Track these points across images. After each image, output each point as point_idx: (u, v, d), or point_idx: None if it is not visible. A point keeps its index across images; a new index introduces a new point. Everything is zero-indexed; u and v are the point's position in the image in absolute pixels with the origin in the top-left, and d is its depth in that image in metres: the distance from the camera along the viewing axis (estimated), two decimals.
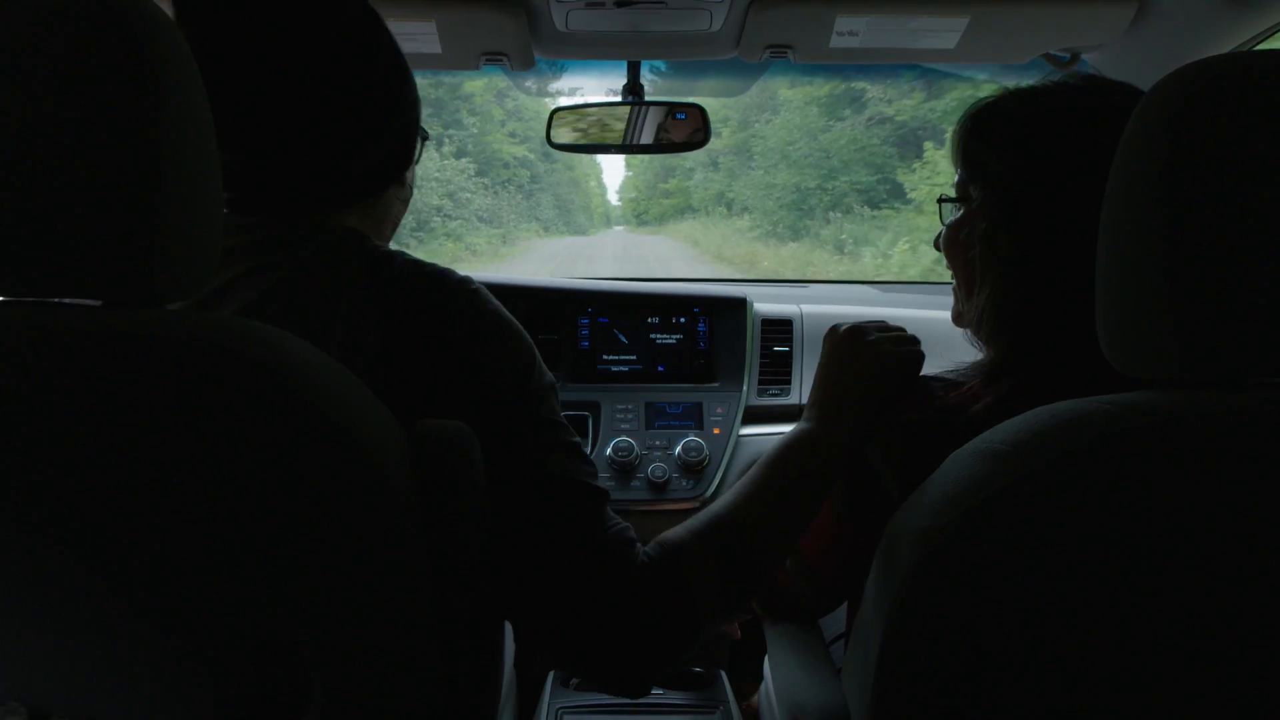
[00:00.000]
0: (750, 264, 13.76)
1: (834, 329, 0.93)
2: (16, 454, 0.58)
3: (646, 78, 1.56)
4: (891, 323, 0.94)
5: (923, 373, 0.89)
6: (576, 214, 24.09)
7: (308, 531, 0.60)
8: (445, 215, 14.78)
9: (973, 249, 0.86)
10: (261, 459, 0.58)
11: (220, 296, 0.74)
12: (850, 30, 1.27)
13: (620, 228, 24.67)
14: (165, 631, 0.63)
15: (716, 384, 1.73)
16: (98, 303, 0.61)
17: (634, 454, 1.57)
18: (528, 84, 1.98)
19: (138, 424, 0.57)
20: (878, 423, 0.86)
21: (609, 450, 1.58)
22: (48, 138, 0.56)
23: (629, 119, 1.55)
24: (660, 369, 1.75)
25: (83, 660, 0.64)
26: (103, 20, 0.56)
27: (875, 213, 12.93)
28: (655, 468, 1.57)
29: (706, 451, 1.58)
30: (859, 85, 13.04)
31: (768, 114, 16.62)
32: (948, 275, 0.95)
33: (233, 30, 0.73)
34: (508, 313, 0.79)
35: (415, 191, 0.94)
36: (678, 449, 1.59)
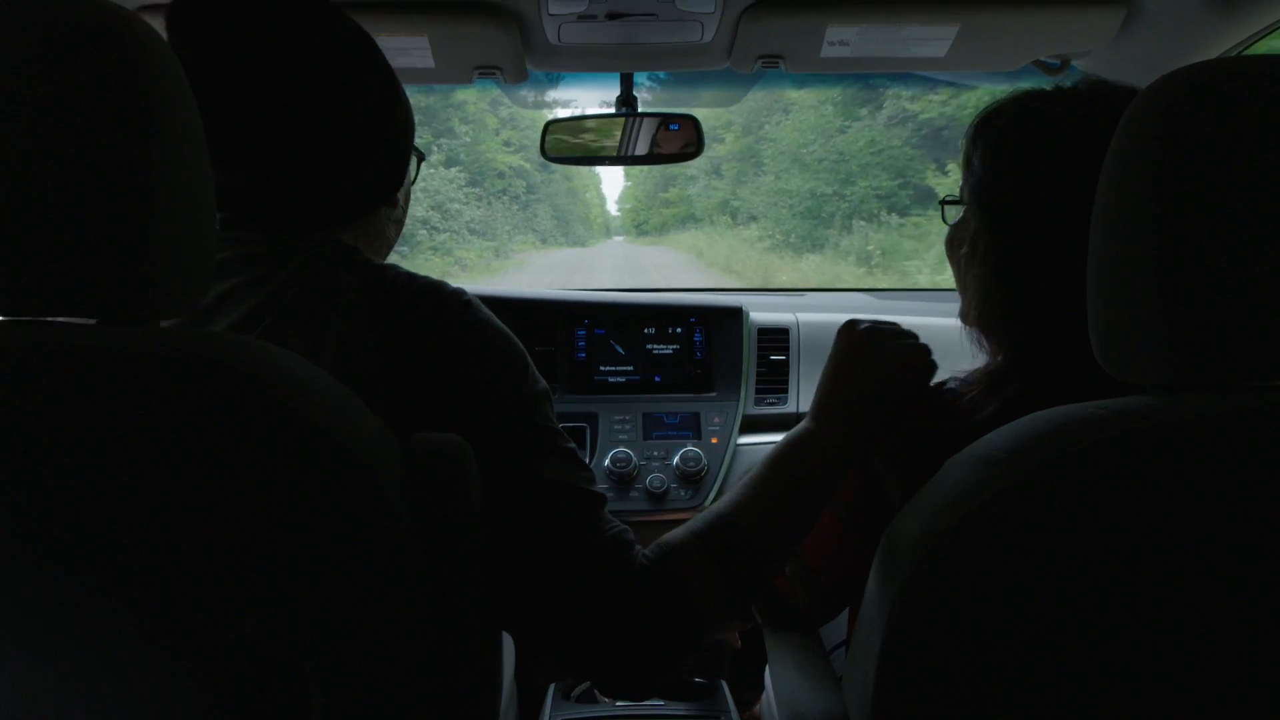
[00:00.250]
0: (765, 279, 13.03)
1: (851, 325, 0.90)
2: (12, 473, 0.58)
3: (645, 86, 1.57)
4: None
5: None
6: (575, 225, 23.74)
7: (305, 547, 0.60)
8: (432, 228, 13.99)
9: (964, 249, 0.88)
10: (258, 474, 0.58)
11: (213, 312, 0.74)
12: (841, 40, 1.28)
13: (620, 238, 24.39)
14: (163, 647, 0.63)
15: (714, 394, 1.73)
16: (92, 321, 0.61)
17: (632, 465, 1.57)
18: (524, 95, 1.99)
19: (133, 441, 0.57)
20: (882, 429, 0.84)
21: (607, 461, 1.58)
22: (42, 156, 0.56)
23: (622, 131, 1.55)
24: (657, 379, 1.75)
25: (80, 675, 0.64)
26: (98, 40, 0.56)
27: (904, 220, 11.96)
28: (653, 478, 1.56)
29: (704, 461, 1.58)
30: (877, 80, 11.11)
31: (778, 114, 15.65)
32: (946, 283, 0.95)
33: (224, 53, 0.73)
34: (500, 323, 0.79)
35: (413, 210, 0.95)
36: (676, 459, 1.59)
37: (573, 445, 0.78)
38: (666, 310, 1.78)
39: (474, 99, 15.00)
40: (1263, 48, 1.21)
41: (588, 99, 2.11)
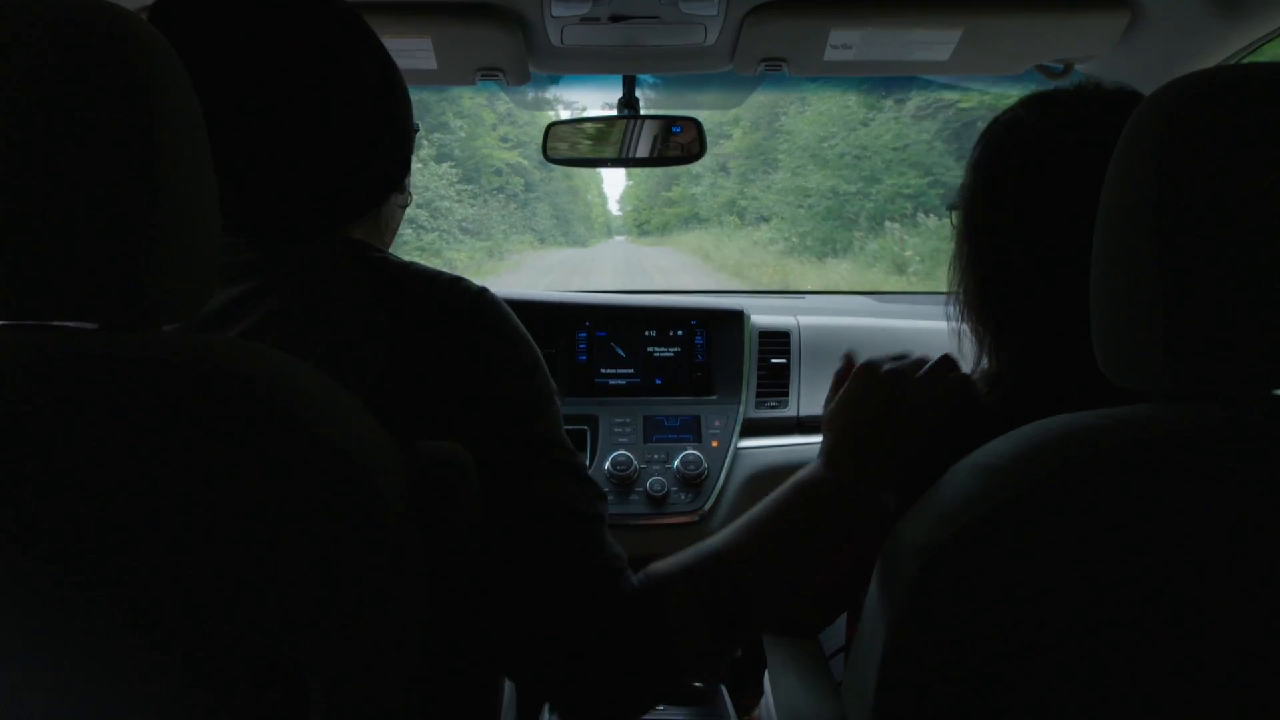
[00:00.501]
0: (787, 287, 11.33)
1: (871, 369, 0.85)
2: (11, 477, 0.58)
3: (646, 84, 1.57)
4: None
5: None
6: (575, 224, 23.27)
7: (305, 554, 0.60)
8: (419, 227, 12.90)
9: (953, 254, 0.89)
10: (257, 481, 0.58)
11: (225, 318, 0.72)
12: (844, 44, 1.28)
13: (621, 238, 23.98)
14: (161, 653, 0.62)
15: (714, 396, 1.73)
16: (93, 325, 0.61)
17: (632, 467, 1.57)
18: (523, 93, 1.99)
19: (132, 446, 0.57)
20: (901, 478, 0.81)
21: (607, 464, 1.58)
22: (44, 159, 0.56)
23: (624, 132, 1.55)
24: (658, 382, 1.75)
25: (79, 680, 0.64)
26: (100, 42, 0.56)
27: (940, 222, 10.55)
28: (654, 481, 1.56)
29: (705, 464, 1.58)
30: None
31: (795, 105, 13.98)
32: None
33: (217, 55, 0.72)
34: (517, 322, 0.77)
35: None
36: (676, 462, 1.58)
37: (578, 460, 0.75)
38: (668, 313, 1.77)
39: (470, 93, 13.80)
40: (1267, 53, 1.20)
41: (588, 98, 2.10)
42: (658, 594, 0.72)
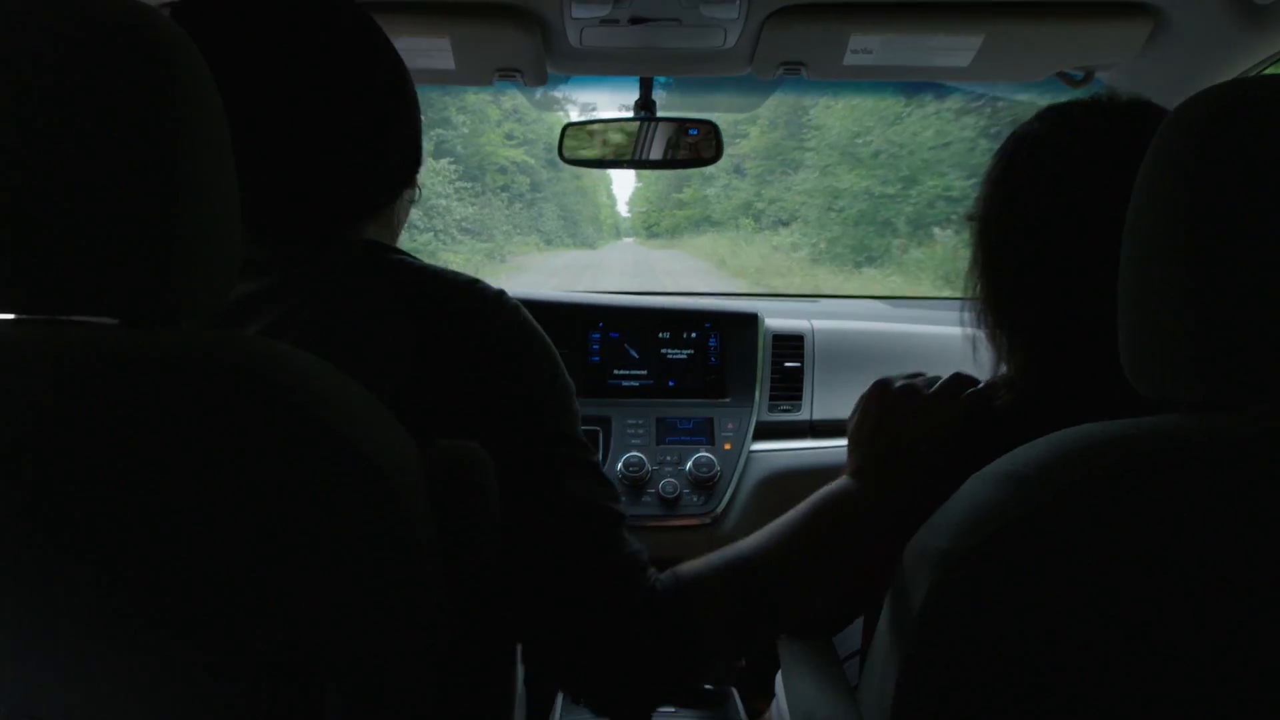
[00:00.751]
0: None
1: (884, 386, 0.89)
2: (33, 473, 0.58)
3: (658, 84, 1.57)
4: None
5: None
6: (584, 225, 22.78)
7: (323, 553, 0.60)
8: (412, 227, 11.22)
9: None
10: (275, 479, 0.58)
11: (240, 315, 0.73)
12: (864, 49, 1.28)
13: (630, 239, 23.59)
14: (179, 650, 0.63)
15: (728, 399, 1.72)
16: (113, 320, 0.61)
17: (645, 469, 1.57)
18: (535, 95, 1.99)
19: (150, 443, 0.57)
20: (920, 490, 0.82)
21: (620, 465, 1.58)
22: (67, 153, 0.56)
23: (641, 134, 1.55)
24: (671, 384, 1.74)
25: (97, 677, 0.64)
26: (124, 37, 0.56)
27: None
28: (666, 483, 1.56)
29: (718, 467, 1.57)
30: None
31: (827, 98, 12.69)
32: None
33: (230, 57, 0.71)
34: (536, 324, 0.78)
35: None
36: (689, 464, 1.58)
37: (596, 459, 0.77)
38: (681, 315, 1.77)
39: (474, 88, 13.74)
40: None
41: (598, 98, 2.10)
42: (687, 591, 0.74)
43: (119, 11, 0.57)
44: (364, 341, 0.71)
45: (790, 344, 1.77)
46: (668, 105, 1.57)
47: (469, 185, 14.59)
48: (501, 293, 0.77)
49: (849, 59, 1.31)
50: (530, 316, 0.78)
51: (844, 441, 1.64)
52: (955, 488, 0.65)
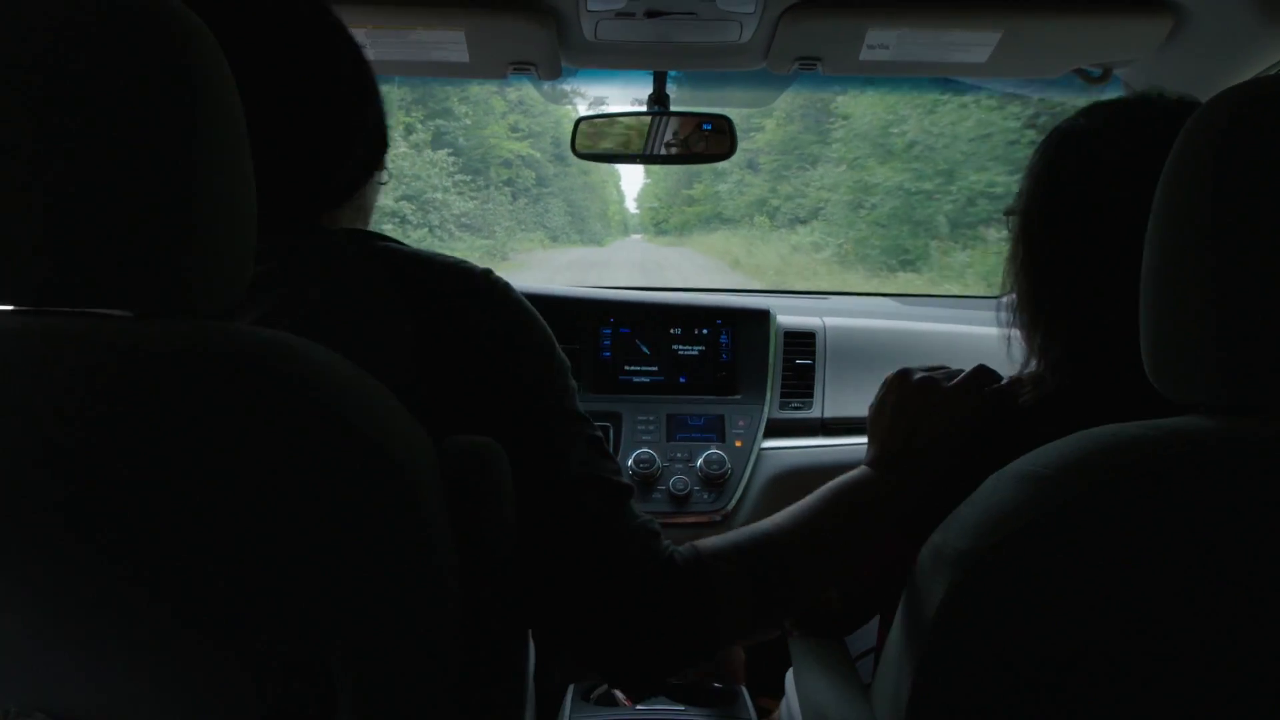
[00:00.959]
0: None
1: (904, 377, 0.89)
2: (49, 466, 0.58)
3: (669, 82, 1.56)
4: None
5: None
6: (591, 221, 22.40)
7: (336, 546, 0.60)
8: (404, 221, 10.77)
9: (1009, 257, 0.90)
10: (290, 473, 0.58)
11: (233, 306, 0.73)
12: (881, 44, 1.27)
13: (638, 236, 23.31)
14: (192, 645, 0.62)
15: (739, 396, 1.72)
16: (128, 313, 0.61)
17: (655, 466, 1.56)
18: (543, 88, 1.98)
19: (166, 436, 0.57)
20: (937, 479, 0.84)
21: (630, 462, 1.57)
22: (85, 145, 0.56)
23: (654, 129, 1.55)
24: (682, 380, 1.74)
25: (110, 671, 0.64)
26: (142, 28, 0.56)
27: None
28: (676, 480, 1.56)
29: (728, 464, 1.57)
30: None
31: (855, 85, 11.34)
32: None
33: None
34: (527, 302, 0.79)
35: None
36: (699, 461, 1.58)
37: (599, 433, 0.78)
38: (693, 311, 1.77)
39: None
40: None
41: (609, 92, 2.09)
42: (706, 561, 0.75)
43: (138, 3, 0.57)
44: (363, 332, 0.71)
45: (802, 341, 1.76)
46: (680, 99, 1.56)
47: (468, 178, 13.86)
48: (489, 271, 0.78)
49: (865, 54, 1.31)
50: (519, 294, 0.78)
51: (855, 440, 1.64)
52: (976, 485, 0.64)
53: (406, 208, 11.17)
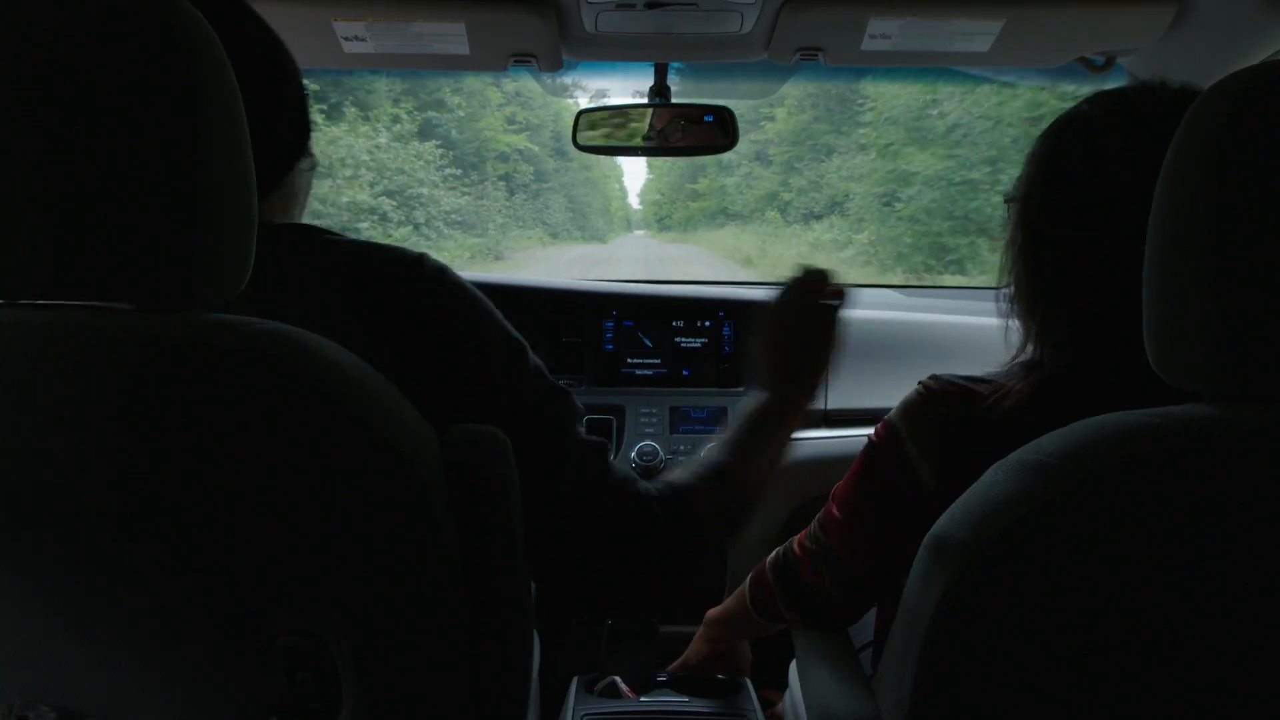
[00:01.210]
0: None
1: (780, 304, 1.00)
2: (53, 459, 0.58)
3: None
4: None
5: (960, 374, 0.91)
6: (594, 218, 21.84)
7: (341, 538, 0.60)
8: (383, 219, 9.69)
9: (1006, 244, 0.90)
10: (295, 465, 0.58)
11: None
12: (883, 33, 1.26)
13: (641, 232, 22.96)
14: (198, 635, 0.63)
15: (742, 388, 1.72)
16: (129, 306, 0.61)
17: (658, 458, 1.56)
18: (544, 80, 1.97)
19: (172, 429, 0.57)
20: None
21: (633, 454, 1.57)
22: (89, 140, 0.56)
23: (655, 121, 1.54)
24: (685, 373, 1.74)
25: (116, 664, 0.64)
26: (145, 24, 0.56)
27: None
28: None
29: None
30: None
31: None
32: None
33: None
34: (468, 284, 0.81)
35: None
36: (702, 454, 1.57)
37: (563, 389, 0.84)
38: (695, 303, 1.77)
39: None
40: None
41: (611, 84, 2.09)
42: (680, 493, 0.87)
43: (139, 1, 0.57)
44: (314, 326, 0.71)
45: None
46: (682, 91, 1.56)
47: (457, 172, 12.91)
48: (424, 256, 0.80)
49: (867, 44, 1.30)
50: (452, 271, 0.81)
51: (860, 431, 1.64)
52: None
53: (387, 204, 10.18)
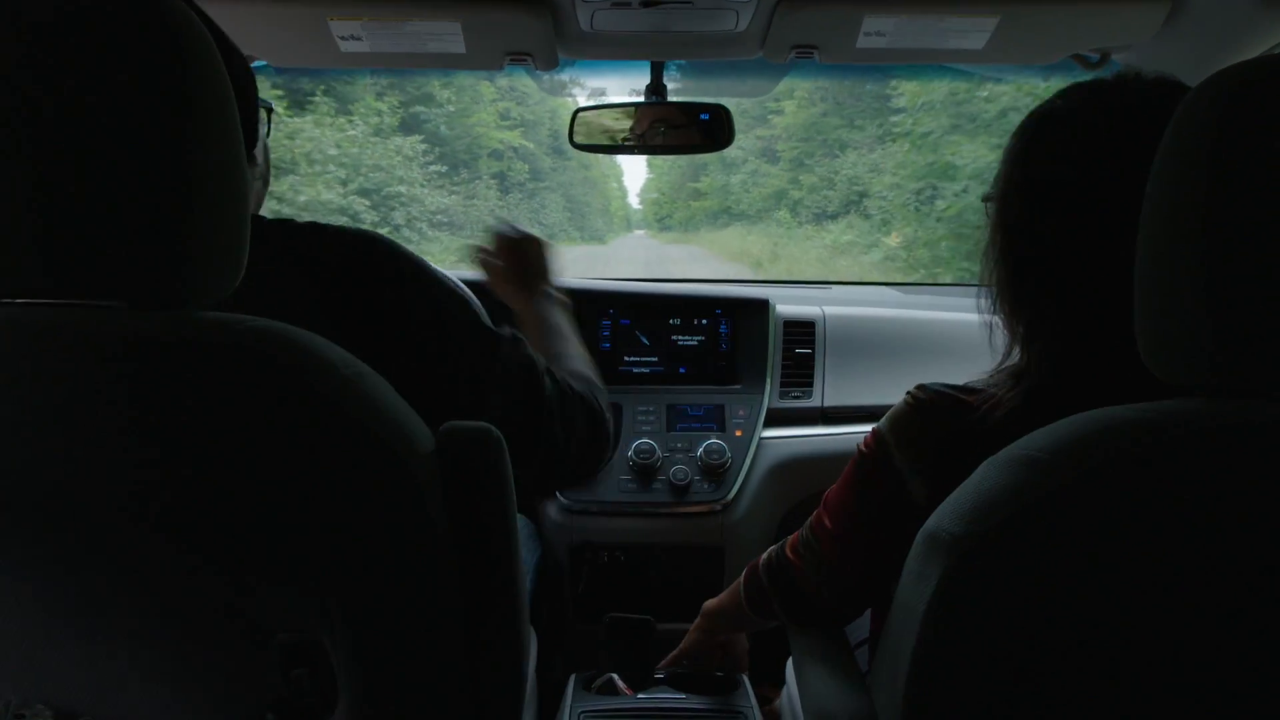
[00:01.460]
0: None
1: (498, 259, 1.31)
2: (47, 457, 0.58)
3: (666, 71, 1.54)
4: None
5: (949, 380, 0.89)
6: (592, 218, 21.33)
7: (337, 535, 0.60)
8: (354, 219, 8.65)
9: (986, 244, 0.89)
10: (290, 463, 0.58)
11: None
12: (878, 31, 1.26)
13: (641, 232, 22.53)
14: (195, 631, 0.63)
15: (739, 386, 1.72)
16: (121, 304, 0.61)
17: (655, 456, 1.56)
18: (543, 80, 1.97)
19: (167, 427, 0.57)
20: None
21: (630, 452, 1.57)
22: (83, 140, 0.56)
23: (651, 119, 1.54)
24: (682, 371, 1.74)
25: (112, 663, 0.64)
26: (138, 24, 0.56)
27: None
28: (677, 470, 1.56)
29: (728, 454, 1.57)
30: None
31: None
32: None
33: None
34: (416, 255, 0.89)
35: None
36: (699, 451, 1.58)
37: (515, 334, 0.98)
38: (692, 301, 1.77)
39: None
40: None
41: (608, 82, 2.08)
42: (584, 391, 1.09)
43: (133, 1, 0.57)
44: (270, 311, 0.71)
45: (801, 330, 1.76)
46: (683, 89, 1.56)
47: (450, 171, 12.26)
48: (373, 233, 0.87)
49: (862, 41, 1.30)
50: (405, 249, 0.89)
51: (856, 428, 1.64)
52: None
53: (359, 204, 9.33)
